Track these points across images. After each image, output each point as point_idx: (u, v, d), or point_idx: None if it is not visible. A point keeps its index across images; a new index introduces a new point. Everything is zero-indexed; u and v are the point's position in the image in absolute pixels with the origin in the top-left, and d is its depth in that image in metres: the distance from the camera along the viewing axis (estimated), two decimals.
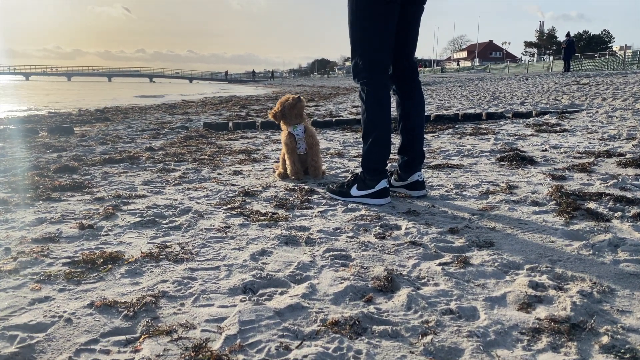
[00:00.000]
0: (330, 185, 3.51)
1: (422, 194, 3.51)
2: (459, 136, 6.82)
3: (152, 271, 2.15)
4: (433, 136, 6.94)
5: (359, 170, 3.54)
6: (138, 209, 3.20)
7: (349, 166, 4.78)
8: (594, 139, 6.06)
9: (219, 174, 4.49)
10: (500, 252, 2.38)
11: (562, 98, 12.17)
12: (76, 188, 3.78)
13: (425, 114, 10.09)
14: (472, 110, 10.56)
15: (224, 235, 2.66)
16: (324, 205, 3.33)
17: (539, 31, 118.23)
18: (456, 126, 8.09)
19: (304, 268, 2.17)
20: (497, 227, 2.78)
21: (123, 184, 4.03)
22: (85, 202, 3.39)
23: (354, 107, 13.29)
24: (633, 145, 5.33)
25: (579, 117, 8.53)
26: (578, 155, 4.99)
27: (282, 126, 4.14)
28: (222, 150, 5.99)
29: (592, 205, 3.11)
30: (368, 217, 2.99)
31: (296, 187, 3.82)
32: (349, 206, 3.26)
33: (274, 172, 4.52)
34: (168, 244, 2.51)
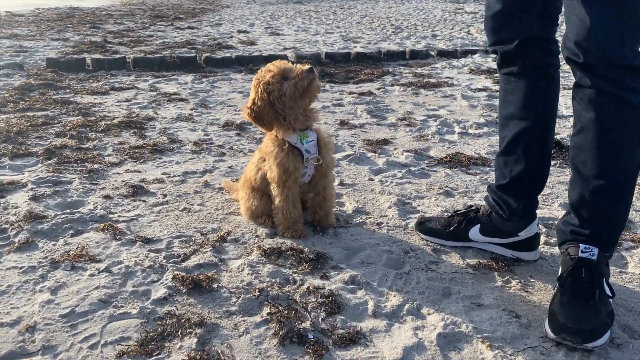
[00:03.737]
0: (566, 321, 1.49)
1: (537, 257, 1.96)
2: (411, 89, 5.29)
3: None
4: (379, 89, 5.31)
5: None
6: None
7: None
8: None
9: (106, 197, 2.43)
10: None
11: (470, 32, 11.22)
12: None
13: (341, 49, 8.39)
14: (384, 44, 9.17)
15: None
16: (375, 313, 1.60)
17: None
18: (389, 70, 6.56)
19: None
20: None
21: None
22: None
23: (240, 31, 10.98)
24: None
25: None
26: None
27: (270, 131, 2.08)
28: (90, 119, 3.75)
29: None
30: None
31: (283, 247, 1.99)
32: (437, 319, 1.57)
33: (221, 190, 2.58)
34: None
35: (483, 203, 2.03)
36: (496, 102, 4.75)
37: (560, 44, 1.77)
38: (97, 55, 6.50)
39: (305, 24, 13.12)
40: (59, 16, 13.65)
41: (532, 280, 1.83)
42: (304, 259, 1.89)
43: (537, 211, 1.99)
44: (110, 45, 8.08)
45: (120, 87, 5.02)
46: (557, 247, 2.02)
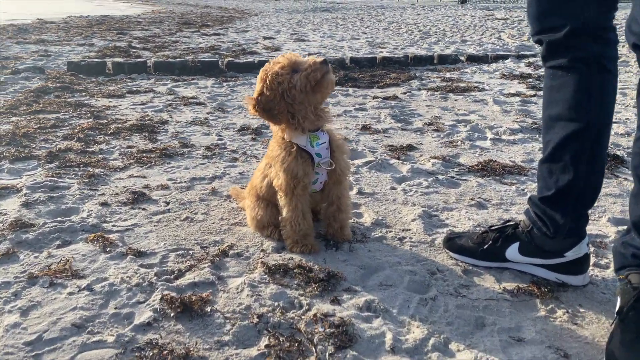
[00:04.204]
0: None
1: (587, 282, 1.67)
2: (439, 94, 5.00)
3: None
4: (404, 93, 5.04)
5: None
6: None
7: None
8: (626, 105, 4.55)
9: (104, 204, 2.24)
10: None
11: (501, 37, 10.85)
12: None
13: (366, 54, 8.15)
14: (412, 49, 8.89)
15: None
16: (394, 348, 1.35)
17: None
18: (416, 74, 6.28)
19: None
20: None
21: None
22: None
23: (265, 38, 10.86)
24: None
25: None
26: None
27: (278, 130, 1.84)
28: (101, 122, 3.59)
29: None
30: None
31: (290, 264, 1.75)
32: (469, 357, 1.31)
33: (229, 198, 2.37)
34: None
35: (522, 217, 1.75)
36: (531, 107, 4.45)
37: (617, 30, 1.50)
38: (118, 59, 6.41)
39: (331, 30, 12.96)
40: (89, 23, 13.80)
41: (581, 311, 1.54)
42: (313, 279, 1.64)
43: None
44: (134, 50, 8.02)
45: (138, 90, 4.89)
46: (609, 270, 1.74)
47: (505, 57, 8.00)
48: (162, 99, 4.53)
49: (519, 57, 7.98)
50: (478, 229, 2.02)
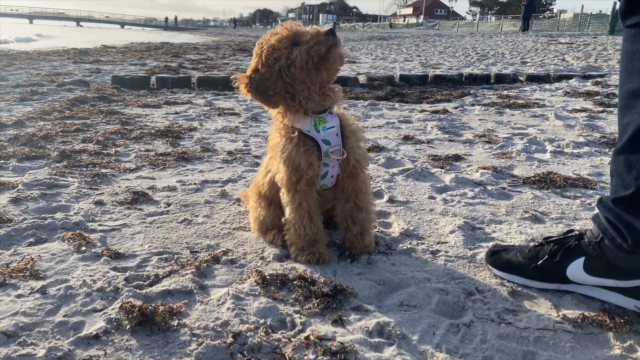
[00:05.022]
0: None
1: None
2: (494, 109, 4.57)
3: None
4: (456, 108, 4.65)
5: None
6: None
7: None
8: None
9: (98, 202, 2.00)
10: None
11: (565, 58, 10.23)
12: None
13: (418, 72, 7.82)
14: (467, 70, 8.46)
15: None
16: None
17: None
18: (471, 91, 5.87)
19: None
20: None
21: None
22: None
23: None
24: None
25: None
26: None
27: (278, 114, 1.54)
28: (127, 127, 3.43)
29: None
30: None
31: (291, 274, 1.42)
32: None
33: (238, 201, 2.09)
34: None
35: (590, 226, 1.35)
36: (600, 123, 3.95)
37: None
38: (163, 75, 6.38)
39: (384, 54, 12.72)
40: (147, 48, 14.23)
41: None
42: (315, 293, 1.30)
43: None
44: (184, 70, 8.04)
45: (175, 102, 4.75)
46: None
47: (569, 77, 7.46)
48: (197, 110, 4.36)
49: (585, 77, 7.42)
50: (532, 243, 1.62)
